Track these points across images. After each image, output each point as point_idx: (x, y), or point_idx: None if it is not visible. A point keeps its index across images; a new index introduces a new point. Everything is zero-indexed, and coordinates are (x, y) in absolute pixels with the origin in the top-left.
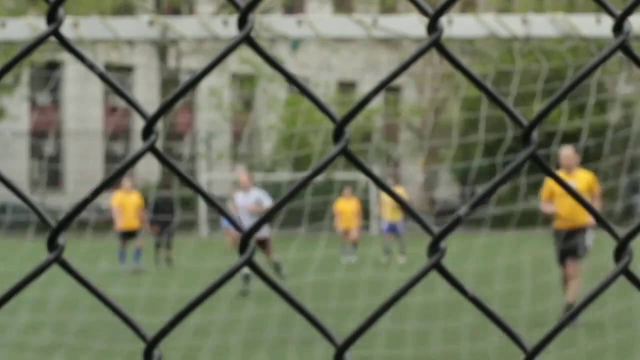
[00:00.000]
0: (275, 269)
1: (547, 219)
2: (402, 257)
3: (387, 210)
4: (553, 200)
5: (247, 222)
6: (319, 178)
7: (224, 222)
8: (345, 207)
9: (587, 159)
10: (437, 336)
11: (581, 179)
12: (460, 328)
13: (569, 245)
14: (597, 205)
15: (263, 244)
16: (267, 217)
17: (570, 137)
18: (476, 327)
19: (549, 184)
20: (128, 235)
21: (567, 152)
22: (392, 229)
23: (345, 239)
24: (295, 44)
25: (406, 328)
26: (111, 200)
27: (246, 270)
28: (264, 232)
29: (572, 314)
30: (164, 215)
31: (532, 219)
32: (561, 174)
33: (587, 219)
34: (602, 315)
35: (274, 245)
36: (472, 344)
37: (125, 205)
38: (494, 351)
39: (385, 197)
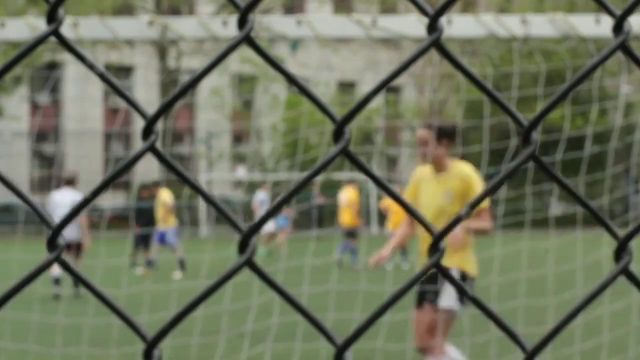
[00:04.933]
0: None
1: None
2: (178, 273)
3: (160, 216)
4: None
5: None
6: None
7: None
8: (396, 207)
9: (592, 166)
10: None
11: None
12: (461, 320)
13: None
14: (480, 225)
15: (77, 248)
16: (267, 217)
17: (574, 142)
18: (476, 318)
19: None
20: (350, 233)
21: (422, 133)
22: (162, 238)
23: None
24: (295, 44)
25: (407, 320)
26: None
27: (57, 273)
28: (77, 235)
29: (572, 314)
30: (144, 220)
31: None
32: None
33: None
34: (597, 314)
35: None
36: (471, 337)
37: (352, 201)
38: (494, 343)
39: (162, 199)
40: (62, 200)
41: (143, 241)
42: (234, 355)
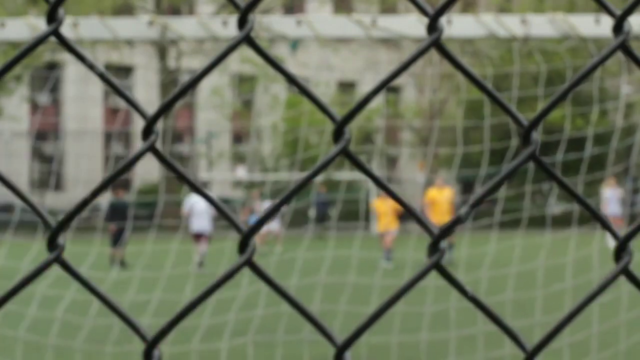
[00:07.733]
0: (200, 264)
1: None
2: None
3: None
4: None
5: None
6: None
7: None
8: (384, 208)
9: (592, 166)
10: (425, 322)
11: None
12: (448, 313)
13: None
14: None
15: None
16: (266, 217)
17: (574, 143)
18: (463, 312)
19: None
20: None
21: None
22: None
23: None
24: (295, 44)
25: (393, 313)
26: (425, 196)
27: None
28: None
29: (572, 313)
30: (120, 218)
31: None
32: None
33: None
34: (586, 307)
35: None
36: (459, 331)
37: (438, 200)
38: (481, 337)
39: None
40: (199, 202)
41: (117, 240)
42: (215, 342)
